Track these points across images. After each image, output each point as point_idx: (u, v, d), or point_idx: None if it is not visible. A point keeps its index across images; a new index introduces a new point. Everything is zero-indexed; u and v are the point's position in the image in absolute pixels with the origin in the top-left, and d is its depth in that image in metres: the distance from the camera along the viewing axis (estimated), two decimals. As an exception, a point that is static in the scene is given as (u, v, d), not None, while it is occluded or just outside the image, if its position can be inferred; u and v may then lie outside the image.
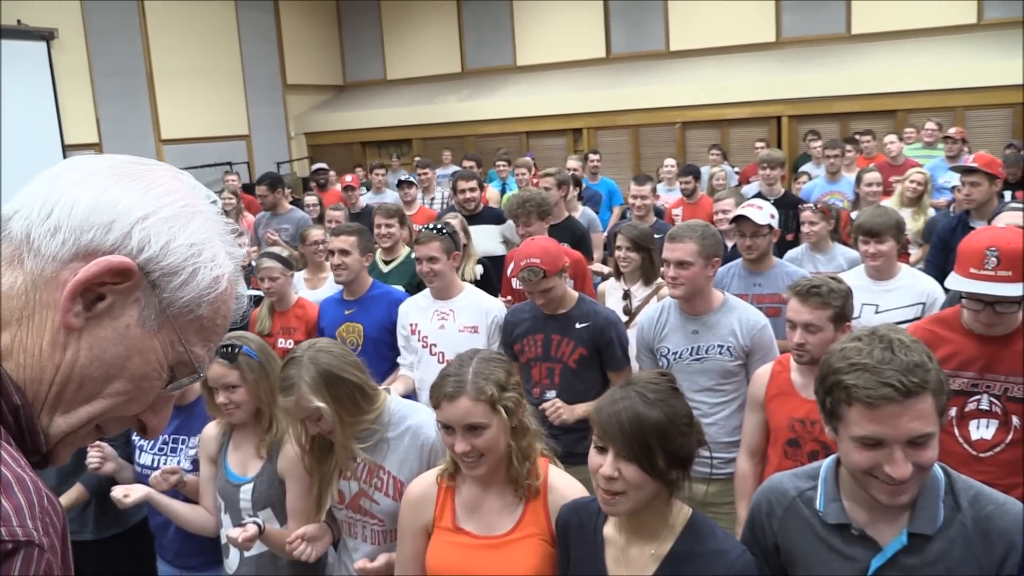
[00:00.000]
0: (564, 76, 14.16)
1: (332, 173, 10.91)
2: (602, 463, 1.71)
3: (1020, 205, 4.01)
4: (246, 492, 2.62)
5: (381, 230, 4.96)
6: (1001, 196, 5.50)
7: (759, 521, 1.80)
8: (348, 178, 8.21)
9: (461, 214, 5.64)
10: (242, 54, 14.21)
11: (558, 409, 3.30)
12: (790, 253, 4.92)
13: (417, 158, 12.53)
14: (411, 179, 7.95)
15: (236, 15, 14.08)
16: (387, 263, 5.06)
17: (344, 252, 4.08)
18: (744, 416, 3.19)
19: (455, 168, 10.84)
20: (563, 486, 2.07)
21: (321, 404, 2.28)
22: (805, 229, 4.75)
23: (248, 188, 10.85)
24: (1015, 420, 2.45)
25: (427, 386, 3.56)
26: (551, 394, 3.49)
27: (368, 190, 9.29)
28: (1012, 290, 2.36)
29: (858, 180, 6.18)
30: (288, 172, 14.35)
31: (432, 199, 8.32)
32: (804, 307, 2.66)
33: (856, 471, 1.58)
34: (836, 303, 2.66)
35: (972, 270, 2.41)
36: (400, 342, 3.96)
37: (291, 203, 7.64)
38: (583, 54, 14.20)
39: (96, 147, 11.80)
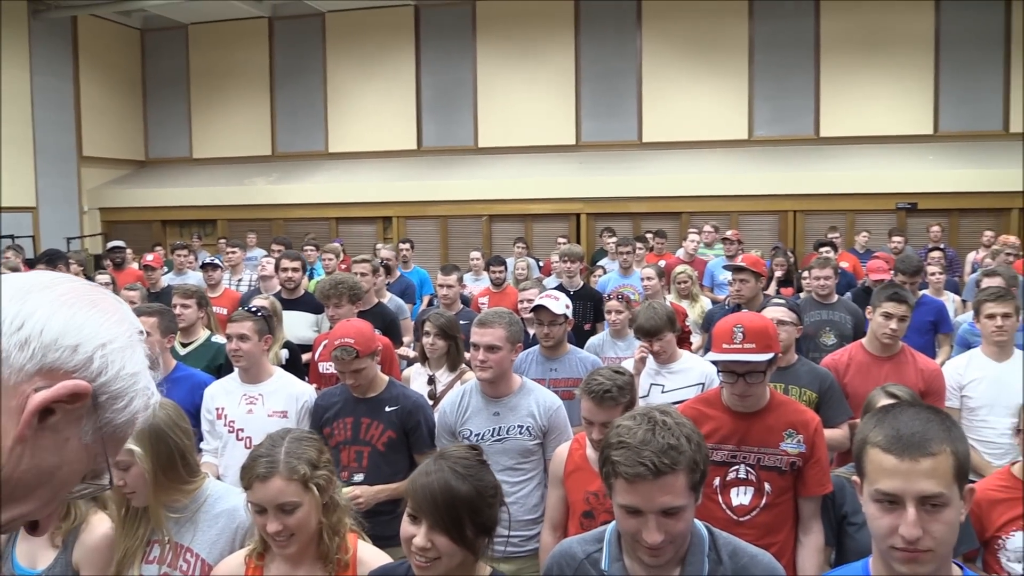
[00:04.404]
0: (375, 165, 14.44)
1: (129, 252, 10.43)
2: (415, 533, 1.81)
3: (782, 301, 4.59)
4: (34, 586, 2.48)
5: (176, 310, 4.85)
6: (766, 292, 6.21)
7: (551, 584, 1.97)
8: (149, 257, 7.91)
9: (281, 294, 5.64)
10: (34, 121, 13.42)
11: (356, 499, 3.35)
12: (592, 340, 5.27)
13: (222, 239, 12.25)
14: (216, 261, 7.78)
15: (31, 80, 13.34)
16: (185, 345, 4.94)
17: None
18: (544, 494, 3.40)
19: (260, 251, 10.69)
20: (371, 559, 2.15)
21: (136, 449, 2.24)
22: (611, 317, 5.13)
23: (33, 264, 10.13)
24: (767, 486, 2.79)
25: (232, 473, 3.52)
26: (359, 477, 3.53)
27: (170, 270, 8.96)
28: (757, 357, 2.75)
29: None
30: (79, 248, 13.53)
31: (239, 280, 8.17)
32: (600, 409, 2.92)
33: (625, 535, 1.80)
34: (625, 398, 2.96)
35: (724, 345, 2.79)
36: (204, 427, 3.85)
37: (82, 282, 7.23)
38: (395, 145, 14.58)
39: None
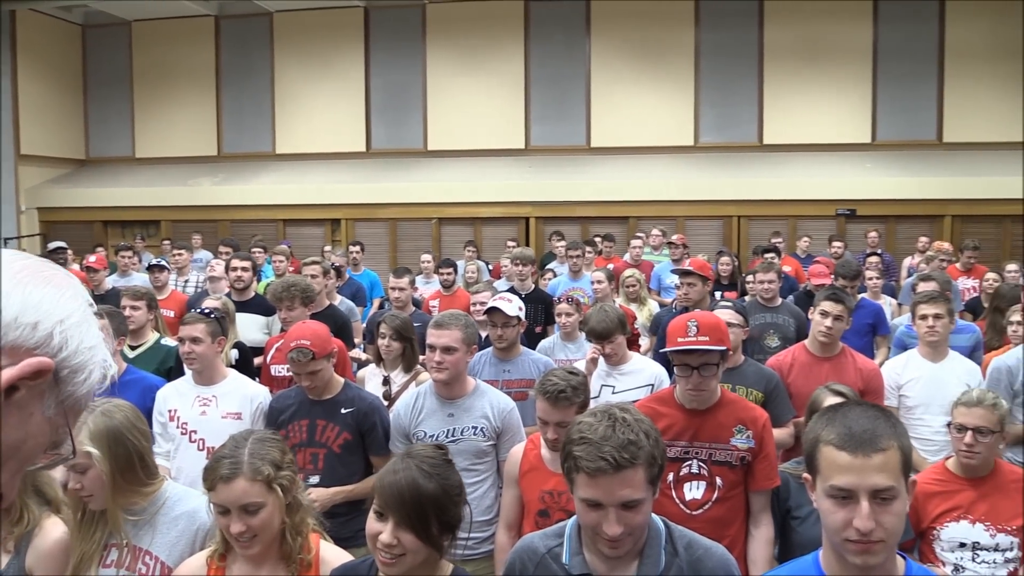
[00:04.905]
0: (324, 167, 14.34)
1: (70, 253, 10.22)
2: (382, 530, 1.85)
3: (729, 304, 4.73)
4: (-16, 592, 2.45)
5: (126, 312, 4.79)
6: (713, 295, 6.36)
7: (513, 579, 2.02)
8: (92, 258, 7.76)
9: (231, 295, 5.60)
10: (-32, 118, 13.03)
11: (313, 502, 3.36)
12: (543, 343, 5.35)
13: (166, 240, 12.06)
14: (162, 262, 7.67)
15: (-35, 77, 12.96)
16: (133, 348, 4.87)
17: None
18: (498, 495, 3.45)
19: (207, 253, 10.57)
20: (334, 559, 2.17)
21: (94, 452, 2.23)
22: (562, 320, 5.20)
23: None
24: (719, 481, 2.90)
25: (184, 475, 3.50)
26: (314, 479, 3.53)
27: (113, 272, 8.80)
28: (711, 347, 2.84)
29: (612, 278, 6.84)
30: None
31: (186, 282, 8.07)
32: (555, 409, 2.98)
33: (586, 528, 1.86)
34: (579, 398, 3.03)
35: (679, 339, 2.88)
36: (156, 429, 3.80)
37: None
38: (343, 146, 14.49)
39: None
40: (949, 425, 3.06)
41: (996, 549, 2.89)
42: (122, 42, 15.25)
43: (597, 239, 10.31)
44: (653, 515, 1.91)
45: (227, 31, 14.96)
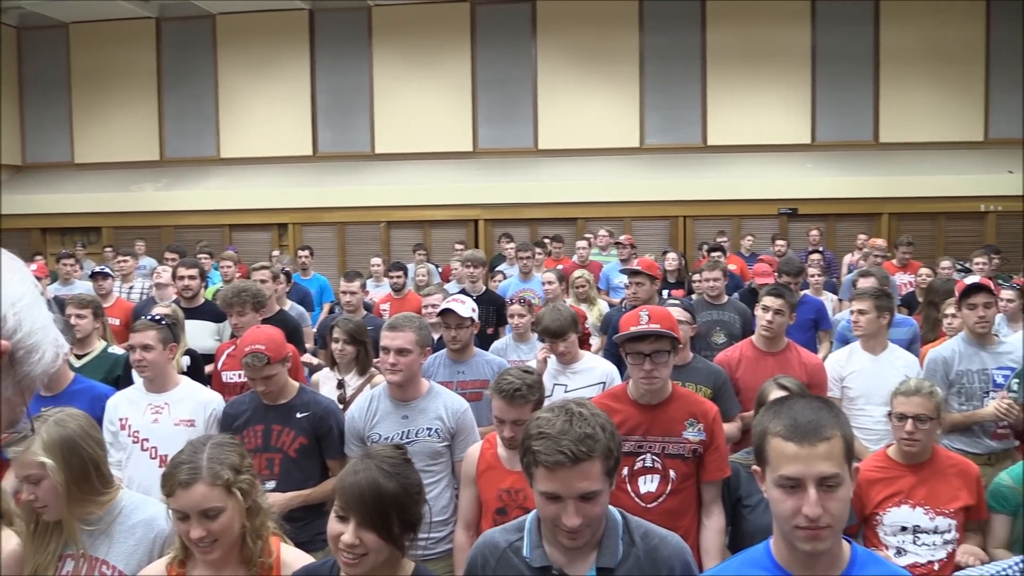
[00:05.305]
0: (270, 171, 14.18)
1: (8, 261, 9.94)
2: (344, 531, 1.87)
3: (677, 301, 4.85)
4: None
5: (72, 321, 4.72)
6: (660, 293, 6.48)
7: (475, 574, 2.06)
8: (32, 267, 7.58)
9: (179, 302, 5.53)
10: (-103, 124, 12.59)
11: (271, 507, 3.35)
12: (496, 344, 5.39)
13: (108, 248, 11.82)
14: (105, 270, 7.52)
15: None
16: (79, 357, 4.79)
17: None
18: (452, 495, 3.48)
19: (151, 260, 10.40)
20: (295, 561, 2.19)
21: (48, 462, 2.21)
22: (514, 321, 5.25)
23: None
24: (672, 473, 2.98)
25: (136, 484, 3.45)
26: (270, 485, 3.52)
27: (54, 281, 8.60)
28: (663, 332, 2.91)
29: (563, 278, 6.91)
30: (-51, 258, 12.76)
31: (131, 288, 7.93)
32: (511, 407, 3.02)
33: (545, 521, 1.91)
34: (534, 396, 3.07)
35: (632, 328, 2.95)
36: (107, 438, 3.74)
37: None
38: (290, 150, 14.33)
39: None
40: (890, 415, 3.18)
41: (935, 532, 3.02)
42: (59, 45, 14.88)
43: (546, 240, 10.39)
44: (610, 507, 1.97)
45: (168, 33, 14.70)
